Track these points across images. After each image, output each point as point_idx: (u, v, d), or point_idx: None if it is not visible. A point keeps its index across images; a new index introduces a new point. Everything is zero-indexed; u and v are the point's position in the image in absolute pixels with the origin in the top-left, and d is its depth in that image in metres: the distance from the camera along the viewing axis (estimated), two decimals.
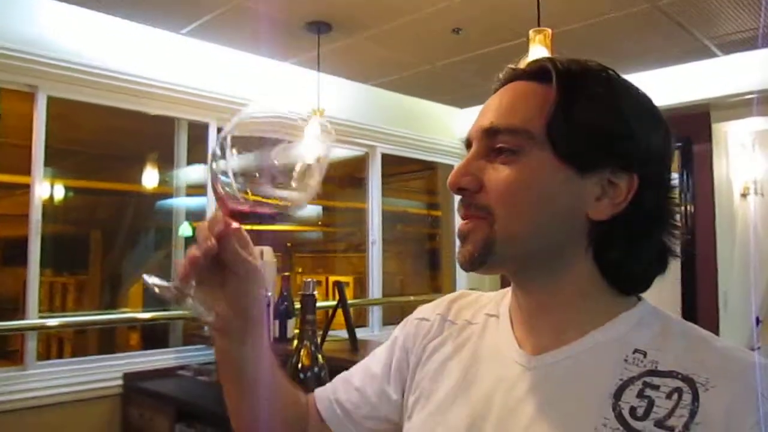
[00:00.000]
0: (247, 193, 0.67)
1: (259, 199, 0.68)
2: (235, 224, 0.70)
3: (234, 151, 0.67)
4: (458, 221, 0.76)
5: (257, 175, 0.68)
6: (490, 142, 0.73)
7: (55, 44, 2.92)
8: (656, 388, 0.66)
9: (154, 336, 3.93)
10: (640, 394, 0.66)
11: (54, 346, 5.12)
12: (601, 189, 0.71)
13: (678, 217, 0.75)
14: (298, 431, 0.92)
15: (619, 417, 0.65)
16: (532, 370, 0.73)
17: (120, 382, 3.09)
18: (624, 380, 0.68)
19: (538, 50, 2.45)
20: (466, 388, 0.78)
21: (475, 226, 0.72)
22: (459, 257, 0.74)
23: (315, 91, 3.26)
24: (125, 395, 3.09)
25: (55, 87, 2.96)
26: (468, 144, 0.77)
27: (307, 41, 3.39)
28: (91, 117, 3.60)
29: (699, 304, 4.03)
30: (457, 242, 0.75)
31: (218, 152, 0.67)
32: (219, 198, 0.69)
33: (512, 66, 0.78)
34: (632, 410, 0.65)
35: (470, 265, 0.73)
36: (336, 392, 0.93)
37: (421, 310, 0.94)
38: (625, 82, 0.75)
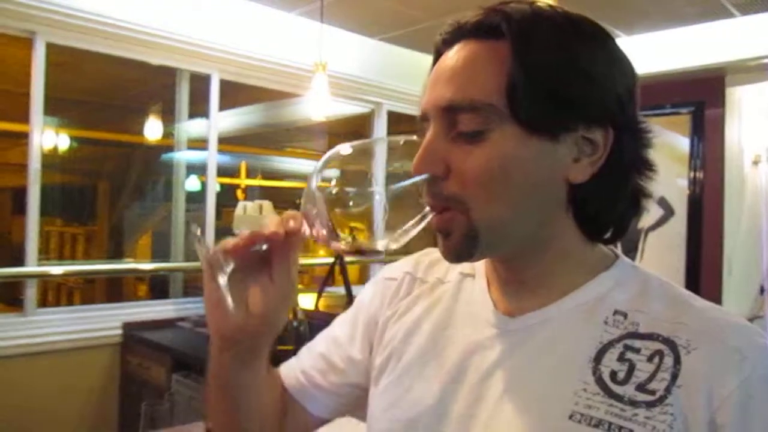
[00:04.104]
0: (344, 229, 0.65)
1: (348, 237, 0.65)
2: (308, 232, 0.64)
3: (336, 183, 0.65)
4: None
5: (353, 216, 0.65)
6: (449, 120, 0.65)
7: None
8: (637, 351, 0.64)
9: (158, 287, 3.98)
10: (621, 358, 0.64)
11: (64, 294, 5.22)
12: (578, 149, 0.65)
13: (651, 158, 0.70)
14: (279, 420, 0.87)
15: (599, 381, 0.63)
16: (508, 334, 0.70)
17: (119, 331, 3.12)
18: (604, 343, 0.65)
19: None
20: (439, 351, 0.75)
21: (451, 220, 0.65)
22: (443, 251, 0.68)
23: (318, 43, 3.19)
24: (124, 344, 3.12)
25: (55, 33, 2.90)
26: (424, 117, 0.69)
27: None
28: (95, 66, 3.57)
29: (703, 270, 3.99)
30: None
31: (319, 176, 0.65)
32: (307, 217, 0.64)
33: (458, 20, 0.68)
34: (613, 374, 0.63)
35: (457, 259, 0.69)
36: (301, 362, 0.89)
37: (387, 270, 0.90)
38: (578, 21, 0.67)
